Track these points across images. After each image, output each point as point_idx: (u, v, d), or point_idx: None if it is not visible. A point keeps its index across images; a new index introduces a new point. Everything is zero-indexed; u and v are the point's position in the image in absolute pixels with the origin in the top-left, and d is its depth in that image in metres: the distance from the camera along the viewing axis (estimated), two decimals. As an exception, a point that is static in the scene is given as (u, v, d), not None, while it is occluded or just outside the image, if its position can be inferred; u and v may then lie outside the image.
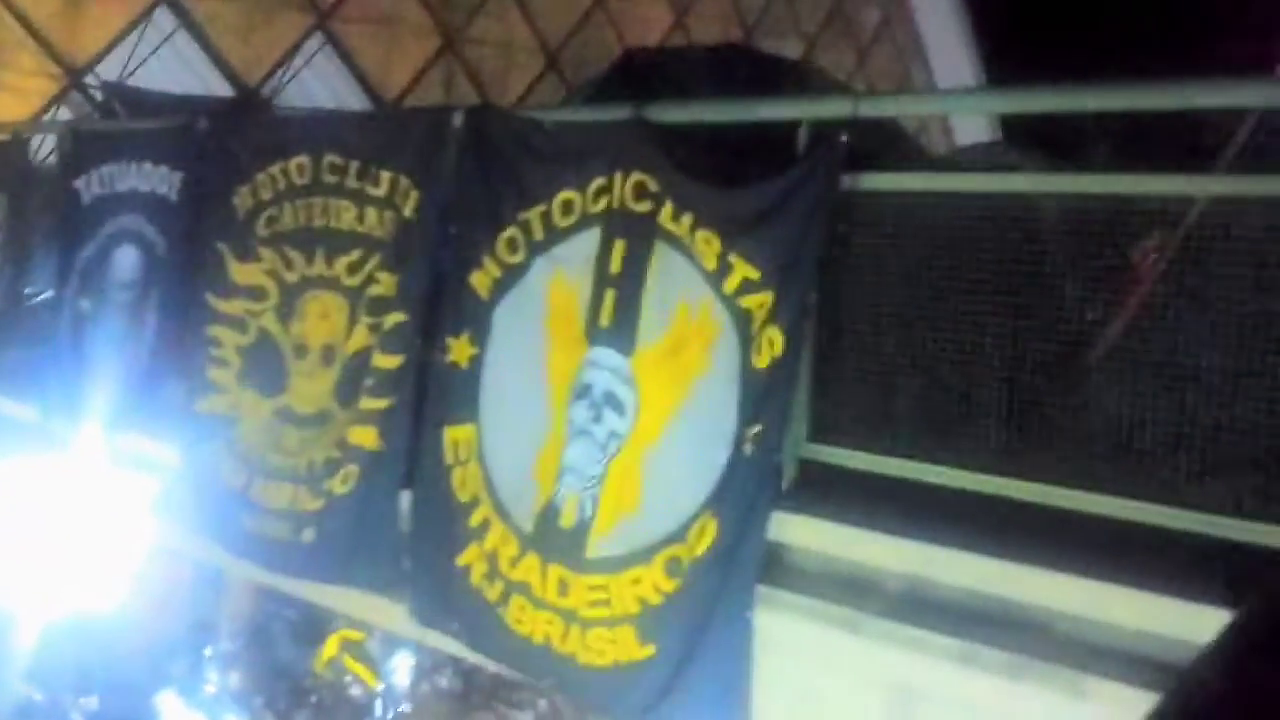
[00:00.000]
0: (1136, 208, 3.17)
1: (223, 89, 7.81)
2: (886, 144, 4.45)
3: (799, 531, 3.49)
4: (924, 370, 3.45)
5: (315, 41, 7.97)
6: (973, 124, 9.57)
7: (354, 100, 8.08)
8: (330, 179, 4.55)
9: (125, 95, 7.59)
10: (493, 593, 3.90)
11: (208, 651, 7.12)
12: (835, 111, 3.38)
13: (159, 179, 5.28)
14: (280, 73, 7.80)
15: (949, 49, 9.61)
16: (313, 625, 6.73)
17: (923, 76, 9.82)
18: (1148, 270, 3.26)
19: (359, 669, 6.75)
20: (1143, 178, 3.21)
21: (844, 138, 3.34)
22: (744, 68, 4.82)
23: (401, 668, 6.75)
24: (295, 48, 7.87)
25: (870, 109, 3.37)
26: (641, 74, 4.74)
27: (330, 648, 6.85)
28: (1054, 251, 3.30)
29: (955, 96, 3.40)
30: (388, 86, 8.19)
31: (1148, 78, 3.12)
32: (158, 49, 7.59)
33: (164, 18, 8.03)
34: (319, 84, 7.91)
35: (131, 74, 7.65)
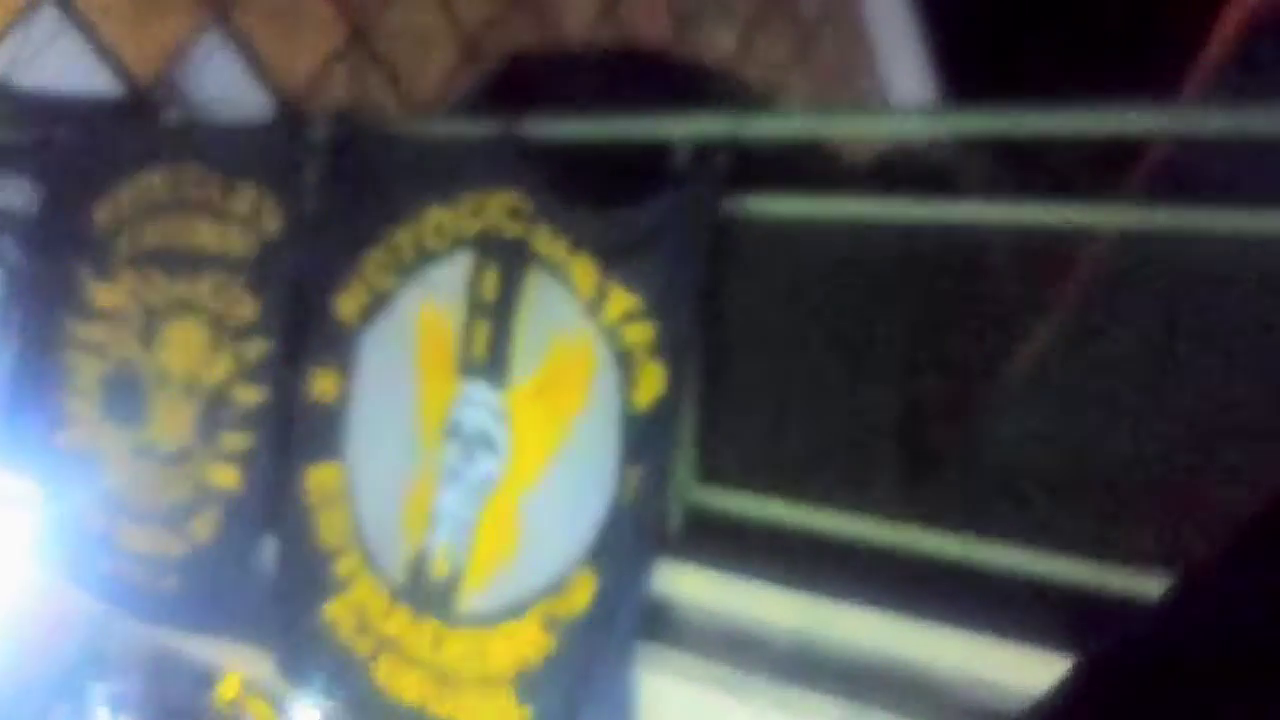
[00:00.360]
0: (1044, 238, 2.92)
1: (117, 87, 7.38)
2: (794, 152, 4.18)
3: (684, 583, 3.23)
4: (817, 410, 3.19)
5: (212, 34, 7.55)
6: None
7: (255, 95, 7.68)
8: (192, 194, 4.21)
9: (11, 97, 7.16)
10: (362, 648, 3.60)
11: (98, 691, 6.76)
12: (715, 130, 3.10)
13: (18, 192, 4.91)
14: (174, 69, 7.38)
15: (895, 38, 9.32)
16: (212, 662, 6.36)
17: (867, 68, 9.53)
18: (1065, 299, 3.03)
19: (261, 710, 6.40)
20: (1051, 207, 2.95)
21: (723, 157, 3.07)
22: (645, 74, 4.53)
23: (308, 709, 6.37)
24: (190, 41, 7.45)
25: (756, 129, 3.09)
26: (527, 81, 4.43)
27: (230, 686, 6.50)
28: (958, 282, 3.04)
29: (853, 116, 3.11)
30: (292, 80, 7.80)
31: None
32: (46, 45, 7.16)
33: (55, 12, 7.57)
34: (217, 78, 7.50)
35: (19, 72, 7.22)
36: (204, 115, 6.88)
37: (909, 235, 3.10)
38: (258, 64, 7.89)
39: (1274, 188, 2.74)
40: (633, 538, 3.17)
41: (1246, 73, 3.14)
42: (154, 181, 4.38)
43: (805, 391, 3.21)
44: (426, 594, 3.48)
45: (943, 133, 3.07)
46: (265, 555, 3.86)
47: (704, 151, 3.11)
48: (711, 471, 3.29)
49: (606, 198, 3.28)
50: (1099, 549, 2.81)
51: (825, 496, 3.15)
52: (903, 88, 9.01)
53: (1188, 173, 2.92)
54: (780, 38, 9.55)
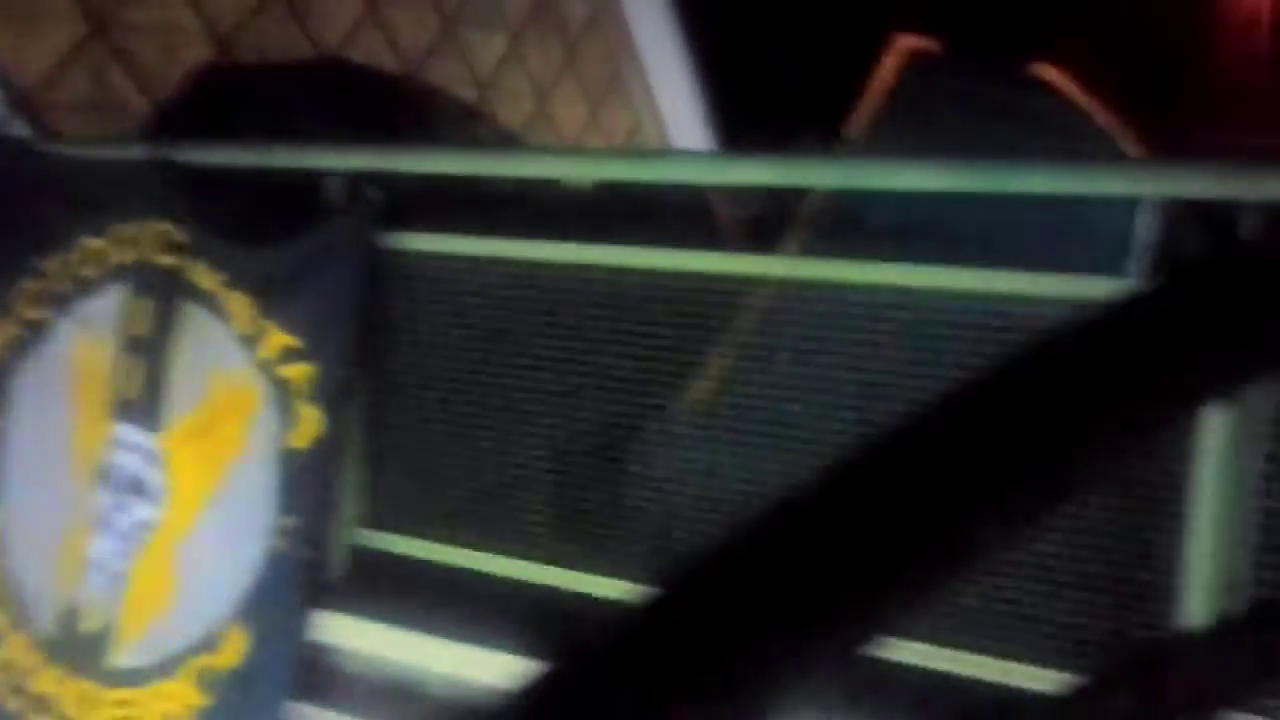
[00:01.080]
0: (702, 287, 2.90)
1: None
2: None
3: (347, 633, 3.10)
4: (481, 453, 3.11)
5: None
6: (688, 127, 9.40)
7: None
8: None
9: None
10: (14, 708, 3.36)
11: None
12: (368, 163, 2.98)
13: None
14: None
15: (661, 47, 9.35)
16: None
17: (636, 75, 9.54)
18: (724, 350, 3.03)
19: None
20: (713, 256, 2.94)
21: (375, 193, 2.96)
22: (351, 90, 4.37)
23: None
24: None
25: (411, 164, 2.98)
26: (223, 97, 4.21)
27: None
28: (625, 325, 3.01)
29: (510, 157, 2.96)
30: (27, 77, 7.31)
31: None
32: None
33: None
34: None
35: None
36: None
37: (576, 277, 3.05)
38: (-16, 58, 7.38)
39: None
40: (288, 588, 3.03)
41: (902, 112, 3.20)
42: None
43: (470, 434, 3.13)
44: (77, 649, 3.26)
45: (604, 177, 3.01)
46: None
47: (357, 186, 2.99)
48: (378, 516, 3.18)
49: (265, 230, 3.13)
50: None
51: (489, 541, 3.09)
52: (669, 94, 9.07)
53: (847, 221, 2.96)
54: (549, 43, 9.48)
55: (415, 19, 9.44)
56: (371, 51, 8.20)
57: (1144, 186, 2.28)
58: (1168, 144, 4.21)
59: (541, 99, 8.90)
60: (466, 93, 8.25)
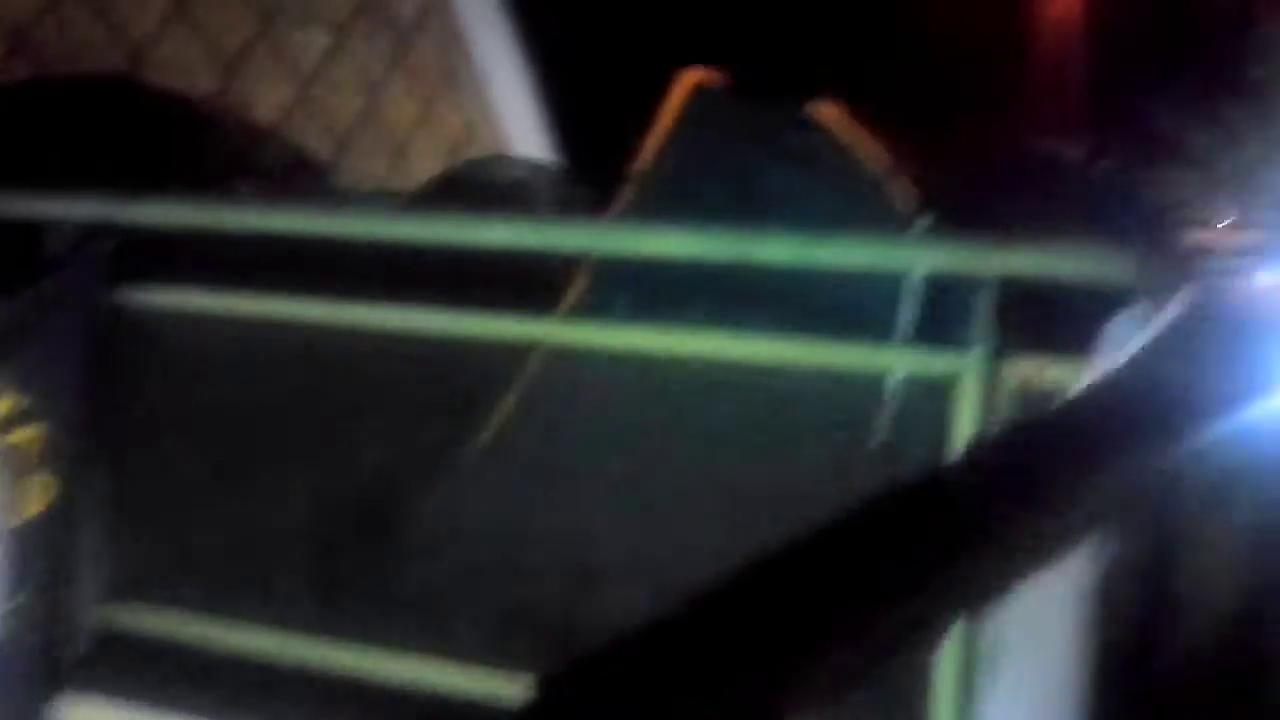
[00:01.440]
0: (466, 347, 2.75)
1: None
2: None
3: (88, 718, 2.87)
4: (236, 519, 2.90)
5: None
6: (523, 126, 9.21)
7: None
8: None
9: None
10: None
11: None
12: (96, 212, 2.73)
13: None
14: None
15: (495, 43, 9.11)
16: None
17: (467, 72, 9.28)
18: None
19: None
20: (478, 319, 2.78)
21: (103, 243, 2.72)
22: (125, 110, 4.06)
23: None
24: None
25: (140, 213, 2.74)
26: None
27: None
28: (378, 383, 2.83)
29: (256, 208, 2.70)
30: None
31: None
32: None
33: None
34: None
35: None
36: None
37: (341, 331, 2.86)
38: None
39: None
40: (20, 672, 2.79)
41: (683, 149, 3.08)
42: None
43: (225, 499, 2.92)
44: None
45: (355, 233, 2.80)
46: None
47: (86, 236, 2.75)
48: (126, 589, 2.95)
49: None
50: (509, 660, 2.68)
51: (247, 613, 2.89)
52: (503, 92, 8.88)
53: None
54: (377, 38, 9.14)
55: (231, 14, 9.01)
56: (183, 49, 7.80)
57: (890, 259, 2.20)
58: (977, 151, 4.21)
59: (370, 96, 8.60)
60: (289, 90, 7.92)
